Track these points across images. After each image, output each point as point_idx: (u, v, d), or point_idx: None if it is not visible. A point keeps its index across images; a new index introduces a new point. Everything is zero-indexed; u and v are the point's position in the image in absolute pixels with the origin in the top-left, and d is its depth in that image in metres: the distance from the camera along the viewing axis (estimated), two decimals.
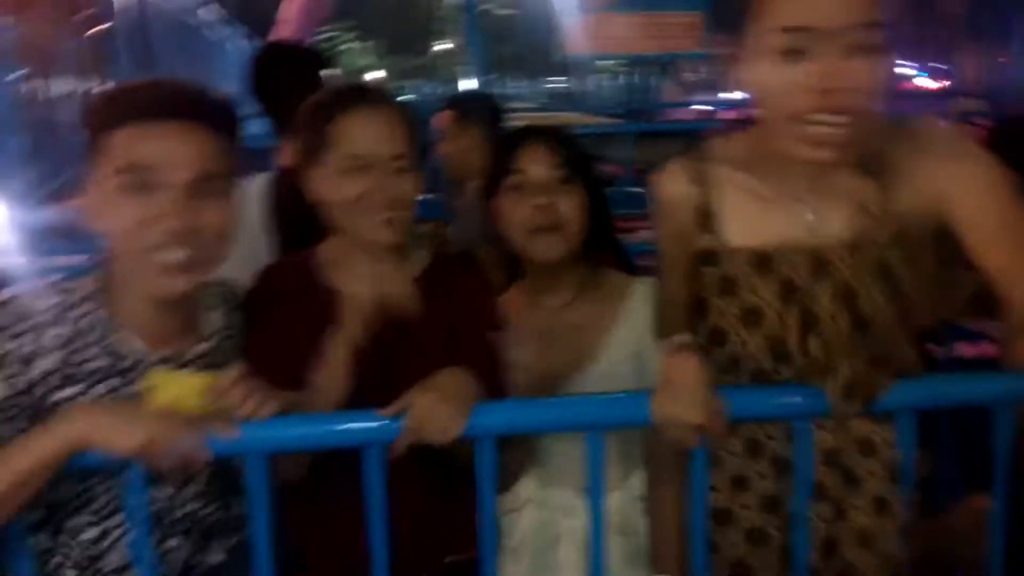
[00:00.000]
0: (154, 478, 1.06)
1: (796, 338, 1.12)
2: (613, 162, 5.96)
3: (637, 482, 1.40)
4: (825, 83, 0.98)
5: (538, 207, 1.35)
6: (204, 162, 1.06)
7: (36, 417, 1.03)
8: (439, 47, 23.84)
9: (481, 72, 5.21)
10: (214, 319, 1.20)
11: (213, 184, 1.08)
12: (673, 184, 1.20)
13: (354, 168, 1.20)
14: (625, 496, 1.40)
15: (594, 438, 1.16)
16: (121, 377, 1.09)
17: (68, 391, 1.05)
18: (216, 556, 1.17)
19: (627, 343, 1.39)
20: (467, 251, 1.43)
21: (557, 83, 20.05)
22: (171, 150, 1.05)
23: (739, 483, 1.21)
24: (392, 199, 1.20)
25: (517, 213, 1.37)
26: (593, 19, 5.72)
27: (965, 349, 2.19)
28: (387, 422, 1.07)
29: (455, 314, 1.28)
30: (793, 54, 1.00)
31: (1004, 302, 1.11)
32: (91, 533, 1.09)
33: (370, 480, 1.09)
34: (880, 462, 1.16)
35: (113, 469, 1.04)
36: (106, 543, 1.10)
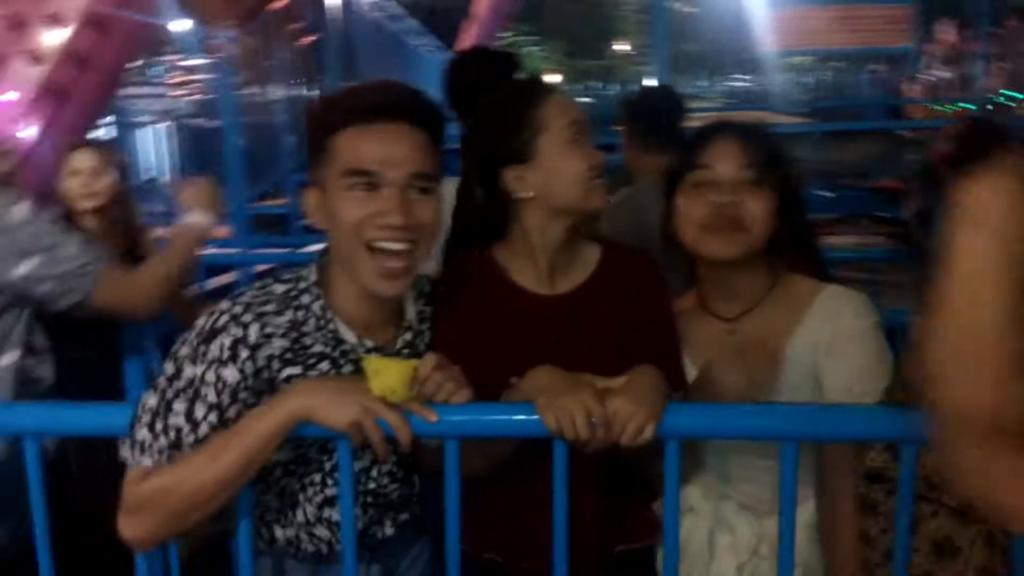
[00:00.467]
0: (356, 453, 1.14)
1: None
2: (799, 163, 5.67)
3: (810, 507, 1.31)
4: None
5: (720, 205, 1.28)
6: (419, 161, 1.13)
7: (262, 398, 1.13)
8: (618, 49, 23.73)
9: (664, 71, 5.13)
10: (414, 309, 1.27)
11: (427, 183, 1.14)
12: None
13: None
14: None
15: (788, 449, 1.11)
16: (335, 363, 1.17)
17: (288, 371, 1.14)
18: (388, 530, 1.24)
19: (805, 356, 1.29)
20: (641, 246, 1.41)
21: (742, 81, 19.32)
22: (391, 150, 1.11)
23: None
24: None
25: (696, 210, 1.30)
26: (786, 13, 5.47)
27: None
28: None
29: (632, 308, 1.27)
30: None
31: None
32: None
33: (557, 472, 1.11)
34: None
35: (325, 441, 1.14)
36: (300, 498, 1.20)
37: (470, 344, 1.22)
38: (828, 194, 5.60)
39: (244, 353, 1.11)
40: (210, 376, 1.09)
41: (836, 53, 7.14)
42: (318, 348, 1.16)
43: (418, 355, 1.19)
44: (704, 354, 1.35)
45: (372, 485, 1.22)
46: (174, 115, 8.10)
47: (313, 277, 1.20)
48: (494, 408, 1.14)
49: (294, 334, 1.15)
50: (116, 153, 2.84)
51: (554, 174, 1.24)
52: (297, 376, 1.14)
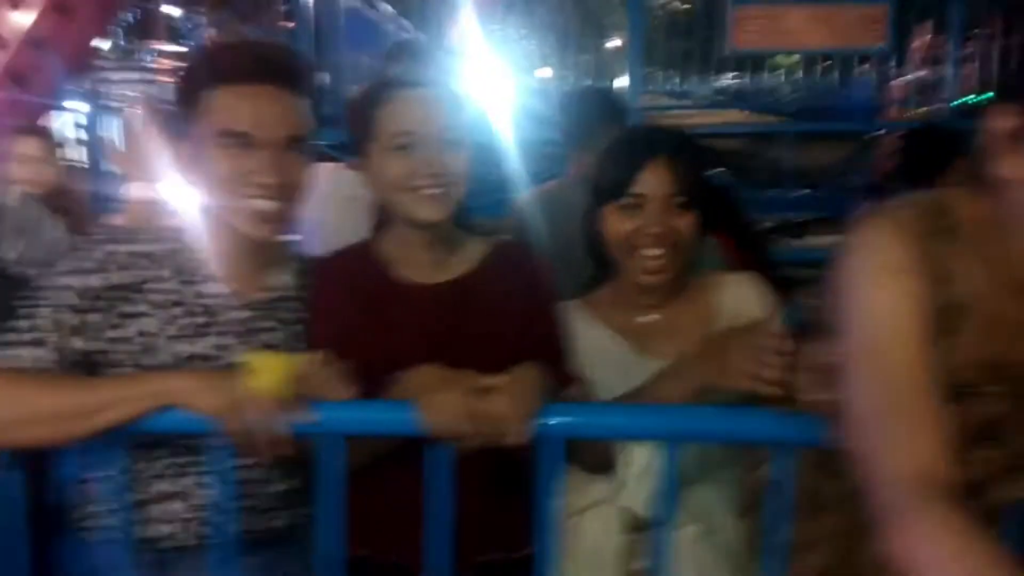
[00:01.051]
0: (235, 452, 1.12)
1: None
2: (772, 163, 5.67)
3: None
4: None
5: (652, 232, 1.30)
6: (293, 124, 1.17)
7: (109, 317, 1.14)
8: (610, 44, 23.67)
9: (637, 68, 5.11)
10: (292, 278, 1.28)
11: (300, 144, 1.18)
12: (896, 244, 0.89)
13: (399, 146, 1.22)
14: (710, 496, 1.30)
15: (671, 449, 1.10)
16: (198, 314, 1.19)
17: (143, 307, 1.16)
18: (260, 526, 1.22)
19: None
20: (528, 242, 1.40)
21: (731, 80, 19.30)
22: (264, 112, 1.14)
23: None
24: (438, 172, 1.21)
25: (626, 231, 1.32)
26: (765, 11, 5.45)
27: None
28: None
29: (515, 304, 1.26)
30: None
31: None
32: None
33: (436, 471, 1.10)
34: None
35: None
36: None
37: (350, 339, 1.20)
38: (807, 194, 5.60)
39: (112, 267, 1.15)
40: (75, 281, 1.13)
41: (818, 53, 7.11)
42: (175, 295, 1.18)
43: (286, 322, 1.23)
44: (629, 341, 1.35)
45: (249, 476, 1.19)
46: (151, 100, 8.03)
47: (180, 223, 1.22)
48: (373, 406, 1.13)
49: (154, 270, 1.17)
50: (58, 141, 2.85)
51: (378, 178, 1.25)
52: (146, 314, 1.16)
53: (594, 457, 1.28)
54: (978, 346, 0.88)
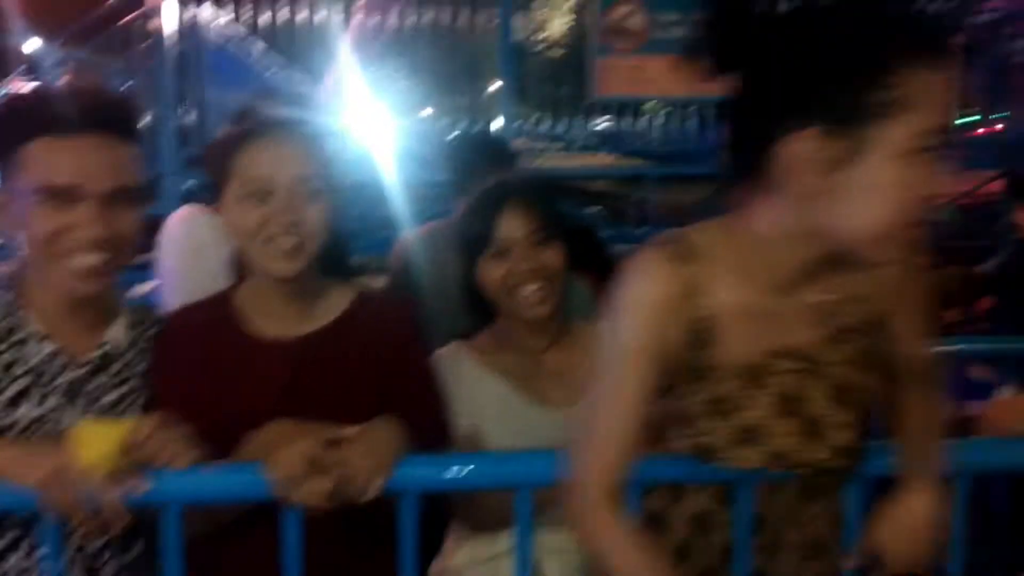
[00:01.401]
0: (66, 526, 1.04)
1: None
2: (640, 203, 5.93)
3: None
4: None
5: (521, 271, 1.37)
6: (119, 173, 1.11)
7: None
8: (493, 88, 24.09)
9: (510, 112, 5.24)
10: (124, 332, 1.21)
11: (129, 193, 1.13)
12: (655, 284, 1.02)
13: (253, 194, 1.17)
14: None
15: (523, 496, 1.11)
16: (21, 377, 1.11)
17: None
18: None
19: None
20: (396, 292, 1.41)
21: (603, 124, 20.02)
22: (88, 164, 1.09)
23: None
24: (293, 223, 1.15)
25: (499, 275, 1.38)
26: (628, 60, 5.73)
27: None
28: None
29: (382, 357, 1.24)
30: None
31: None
32: None
33: (288, 535, 1.06)
34: None
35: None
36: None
37: (198, 398, 1.15)
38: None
39: None
40: None
41: (678, 100, 7.51)
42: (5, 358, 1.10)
43: (125, 380, 1.16)
44: (514, 381, 1.39)
45: (84, 556, 1.12)
46: None
47: (5, 284, 1.14)
48: (213, 470, 1.07)
49: None
50: None
51: (233, 226, 1.22)
52: None
53: (487, 514, 1.29)
54: (747, 344, 1.02)
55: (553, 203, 1.46)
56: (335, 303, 1.27)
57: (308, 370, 1.21)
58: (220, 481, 1.07)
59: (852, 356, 1.06)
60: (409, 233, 2.34)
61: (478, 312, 1.46)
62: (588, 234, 2.78)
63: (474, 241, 1.41)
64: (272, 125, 1.22)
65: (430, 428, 1.23)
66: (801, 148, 0.92)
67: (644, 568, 1.02)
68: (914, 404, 1.14)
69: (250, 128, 1.22)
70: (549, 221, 1.40)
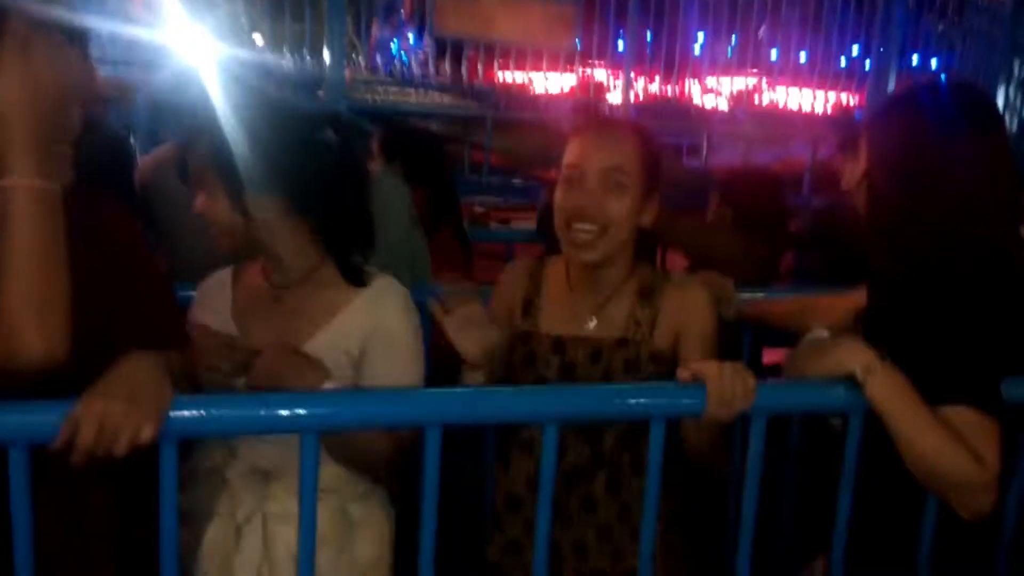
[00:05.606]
0: None
1: None
2: (476, 150, 5.87)
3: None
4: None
5: None
6: None
7: None
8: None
9: (337, 45, 4.95)
10: None
11: None
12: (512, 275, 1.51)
13: None
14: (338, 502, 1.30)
15: (309, 440, 1.04)
16: None
17: None
18: None
19: (339, 340, 1.28)
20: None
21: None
22: None
23: None
24: None
25: None
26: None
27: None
28: (39, 418, 0.90)
29: (108, 265, 1.08)
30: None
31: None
32: None
33: (15, 486, 0.92)
34: None
35: None
36: None
37: None
38: (516, 182, 5.88)
39: None
40: None
41: (510, 45, 7.44)
42: None
43: None
44: (246, 311, 1.33)
45: None
46: None
47: None
48: None
49: None
50: None
51: None
52: None
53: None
54: (547, 327, 1.43)
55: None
56: None
57: None
58: None
59: None
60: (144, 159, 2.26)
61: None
62: (434, 149, 2.71)
63: None
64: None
65: (174, 334, 1.15)
66: None
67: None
68: None
69: None
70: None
